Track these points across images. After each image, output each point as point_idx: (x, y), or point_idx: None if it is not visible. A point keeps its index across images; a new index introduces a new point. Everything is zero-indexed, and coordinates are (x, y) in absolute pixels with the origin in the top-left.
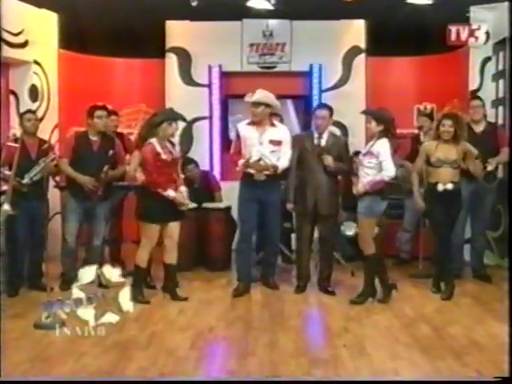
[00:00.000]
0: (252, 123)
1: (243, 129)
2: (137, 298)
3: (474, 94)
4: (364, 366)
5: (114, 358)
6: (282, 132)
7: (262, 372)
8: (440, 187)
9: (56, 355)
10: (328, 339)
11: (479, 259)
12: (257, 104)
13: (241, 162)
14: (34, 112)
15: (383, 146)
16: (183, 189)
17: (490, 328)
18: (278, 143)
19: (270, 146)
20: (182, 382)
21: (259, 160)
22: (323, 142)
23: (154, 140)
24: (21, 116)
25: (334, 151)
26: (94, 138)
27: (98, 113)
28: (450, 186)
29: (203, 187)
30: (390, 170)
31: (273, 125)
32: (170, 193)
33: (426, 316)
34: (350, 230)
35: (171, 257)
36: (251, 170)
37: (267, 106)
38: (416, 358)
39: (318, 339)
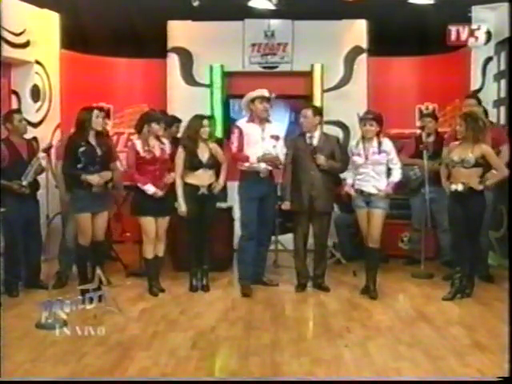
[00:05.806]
0: (252, 120)
1: (245, 126)
2: (152, 290)
3: (470, 93)
4: (366, 366)
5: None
6: (279, 127)
7: (263, 372)
8: (452, 187)
9: (58, 355)
10: (330, 339)
11: (482, 259)
12: (268, 100)
13: (251, 158)
14: (21, 112)
15: (391, 145)
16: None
17: (492, 328)
18: (277, 138)
19: (271, 141)
20: (183, 381)
21: (268, 154)
22: (315, 142)
23: (137, 139)
24: (9, 116)
25: (326, 150)
26: None
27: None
28: (460, 187)
29: None
30: (400, 169)
31: (268, 121)
32: (150, 188)
33: (427, 316)
34: None
35: (158, 250)
36: (260, 166)
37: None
38: (418, 358)
39: (320, 339)
